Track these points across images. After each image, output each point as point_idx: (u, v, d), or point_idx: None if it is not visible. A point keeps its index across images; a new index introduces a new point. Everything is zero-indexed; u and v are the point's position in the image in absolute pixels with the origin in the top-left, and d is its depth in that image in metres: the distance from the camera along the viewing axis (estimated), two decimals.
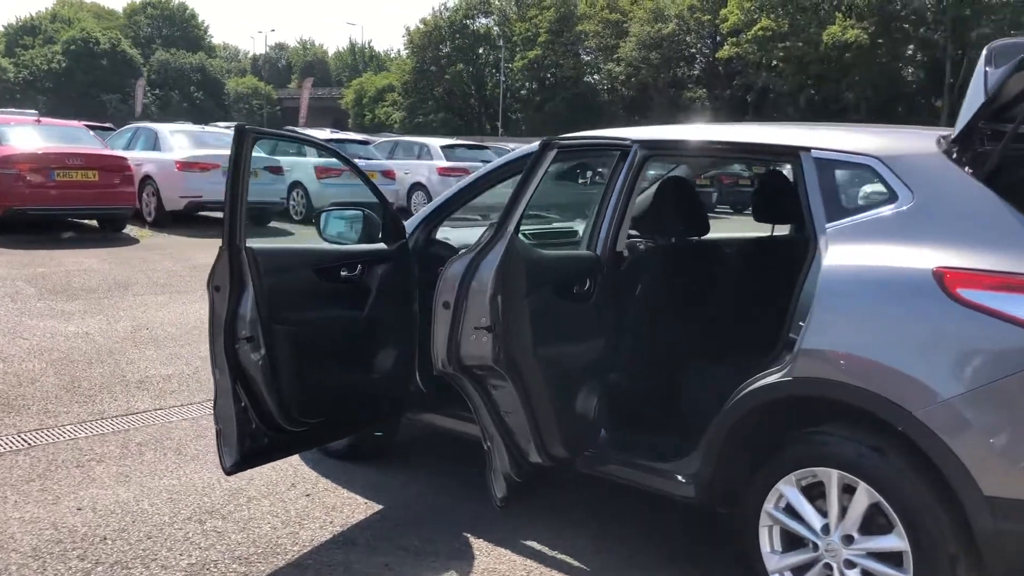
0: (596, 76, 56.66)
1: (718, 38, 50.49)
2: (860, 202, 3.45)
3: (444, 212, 3.97)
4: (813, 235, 2.81)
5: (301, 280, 3.39)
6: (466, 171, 14.70)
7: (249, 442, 3.21)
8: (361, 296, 3.61)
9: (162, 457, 4.13)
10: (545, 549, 3.35)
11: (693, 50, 52.42)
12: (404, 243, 3.80)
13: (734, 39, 46.33)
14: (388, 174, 15.05)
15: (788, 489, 2.77)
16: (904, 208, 2.68)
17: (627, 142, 3.38)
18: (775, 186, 4.01)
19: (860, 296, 2.64)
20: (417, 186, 16.32)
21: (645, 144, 3.33)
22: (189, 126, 16.61)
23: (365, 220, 3.76)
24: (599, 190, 5.35)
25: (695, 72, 52.40)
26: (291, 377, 3.24)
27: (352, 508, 3.68)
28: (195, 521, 3.47)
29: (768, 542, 2.84)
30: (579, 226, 4.92)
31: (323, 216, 3.78)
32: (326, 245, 3.69)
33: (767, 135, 3.32)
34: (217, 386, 3.18)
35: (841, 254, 2.71)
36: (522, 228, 4.67)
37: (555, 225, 4.91)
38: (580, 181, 4.11)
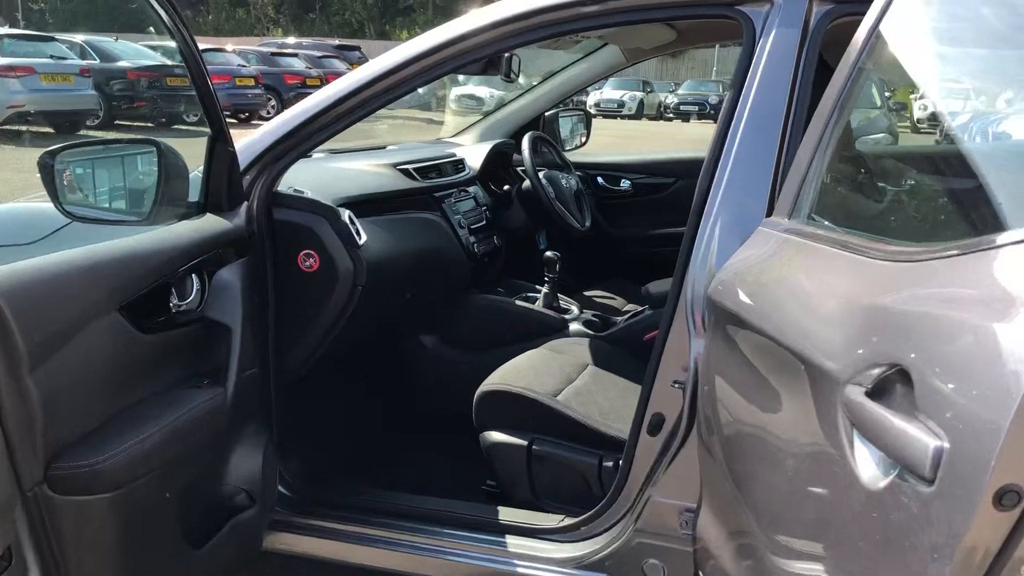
0: None
1: None
2: None
3: (298, 145, 1.94)
4: None
5: (97, 350, 1.33)
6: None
7: None
8: (212, 352, 1.63)
9: None
10: None
11: None
12: (251, 207, 1.84)
13: None
14: None
15: None
16: None
17: None
18: None
19: None
20: None
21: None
22: None
23: (163, 165, 1.68)
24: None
25: None
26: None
27: None
28: None
29: None
30: (459, 151, 3.10)
31: (59, 167, 1.56)
32: (118, 244, 1.51)
33: None
34: None
35: None
36: (396, 163, 2.79)
37: (431, 154, 2.97)
38: (509, 78, 2.30)
